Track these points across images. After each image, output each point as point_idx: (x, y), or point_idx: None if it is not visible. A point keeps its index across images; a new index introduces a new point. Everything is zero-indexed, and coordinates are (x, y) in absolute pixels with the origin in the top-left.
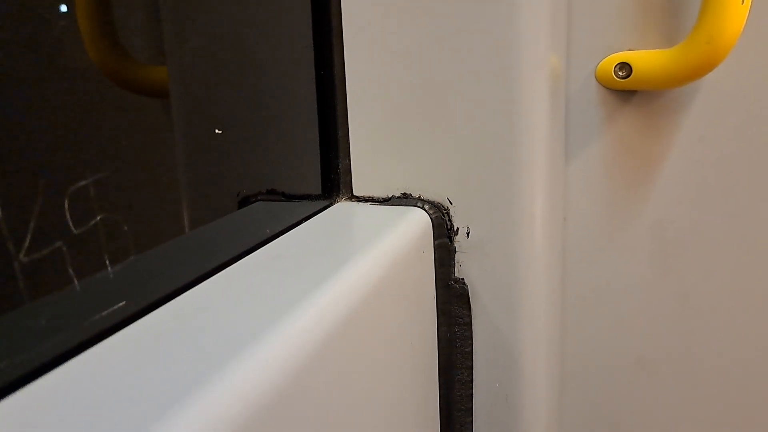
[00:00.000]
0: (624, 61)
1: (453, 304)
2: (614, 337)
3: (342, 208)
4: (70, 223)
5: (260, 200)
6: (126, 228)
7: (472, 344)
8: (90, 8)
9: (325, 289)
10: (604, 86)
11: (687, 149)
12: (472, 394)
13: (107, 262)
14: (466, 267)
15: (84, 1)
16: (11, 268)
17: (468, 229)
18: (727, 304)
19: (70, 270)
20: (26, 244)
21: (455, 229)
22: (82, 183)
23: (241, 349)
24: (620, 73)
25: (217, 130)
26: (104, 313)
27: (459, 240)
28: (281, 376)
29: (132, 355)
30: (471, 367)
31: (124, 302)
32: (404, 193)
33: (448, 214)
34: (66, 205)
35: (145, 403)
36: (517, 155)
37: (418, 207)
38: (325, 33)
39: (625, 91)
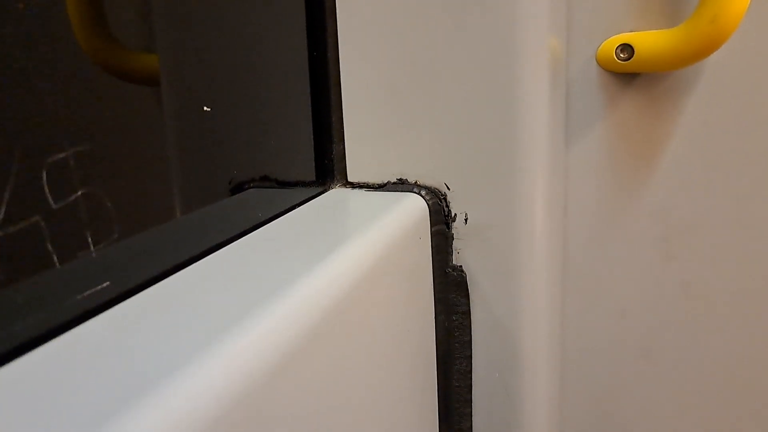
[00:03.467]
0: (625, 42)
1: (451, 292)
2: (616, 325)
3: (336, 194)
4: (49, 197)
5: (253, 187)
6: (110, 205)
7: (470, 333)
8: None
9: (317, 271)
10: (605, 69)
11: (690, 133)
12: (471, 385)
13: (89, 240)
14: (464, 254)
15: None
16: None
17: (466, 215)
18: (731, 292)
19: (49, 246)
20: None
21: (453, 215)
22: (62, 155)
23: (229, 330)
24: (622, 55)
25: (205, 107)
26: (87, 293)
27: (457, 226)
28: (271, 359)
29: (115, 337)
30: (470, 357)
31: (108, 283)
32: (400, 179)
33: (445, 199)
34: (44, 178)
35: (128, 385)
36: (517, 140)
37: (415, 193)
38: (318, 13)
39: (627, 74)
